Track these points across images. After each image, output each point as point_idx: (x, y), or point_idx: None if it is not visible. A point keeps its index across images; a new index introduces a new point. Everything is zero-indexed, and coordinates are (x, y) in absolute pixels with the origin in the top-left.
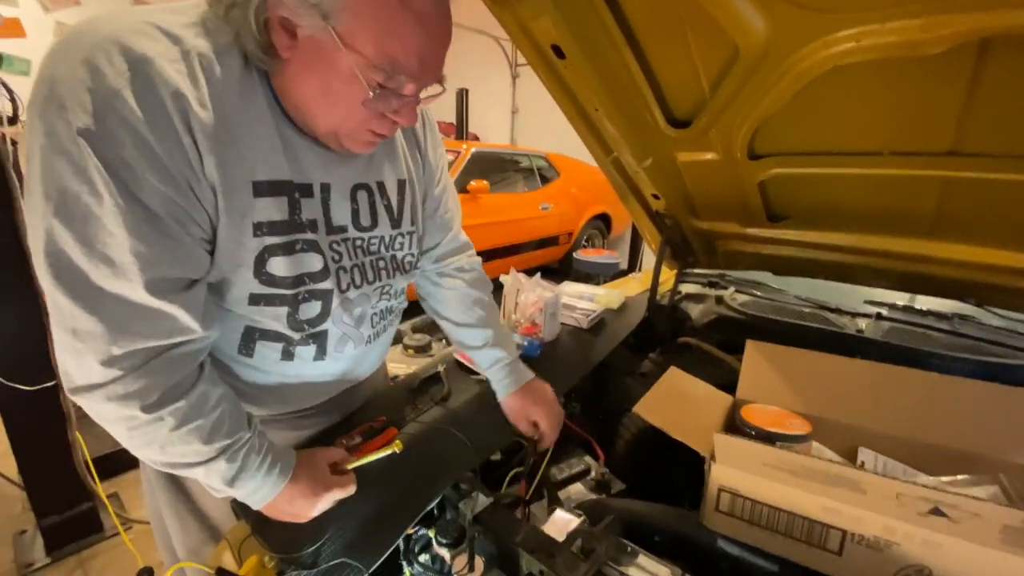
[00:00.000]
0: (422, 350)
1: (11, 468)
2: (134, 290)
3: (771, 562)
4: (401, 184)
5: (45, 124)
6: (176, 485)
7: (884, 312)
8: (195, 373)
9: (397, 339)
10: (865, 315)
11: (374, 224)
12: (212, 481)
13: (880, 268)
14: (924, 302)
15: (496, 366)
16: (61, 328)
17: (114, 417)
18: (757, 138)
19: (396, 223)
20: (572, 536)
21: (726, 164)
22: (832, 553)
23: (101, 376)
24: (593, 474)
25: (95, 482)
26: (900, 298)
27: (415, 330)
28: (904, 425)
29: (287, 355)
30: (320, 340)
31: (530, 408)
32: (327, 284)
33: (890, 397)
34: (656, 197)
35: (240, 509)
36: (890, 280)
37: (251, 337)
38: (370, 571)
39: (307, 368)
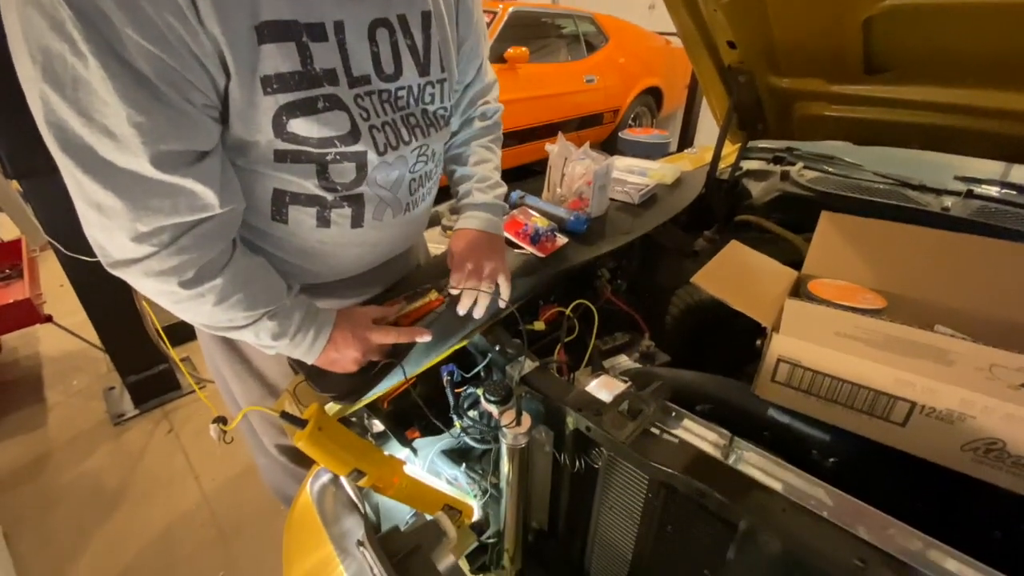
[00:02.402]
0: None
1: (92, 334)
2: (142, 165)
3: (822, 431)
4: (426, 17)
5: None
6: (230, 346)
7: (975, 189)
8: (228, 250)
9: (435, 220)
10: (953, 192)
11: (398, 72)
12: (261, 339)
13: (992, 133)
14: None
15: (465, 199)
16: (84, 202)
17: (156, 291)
18: None
19: (423, 69)
20: (619, 398)
21: None
22: (895, 424)
23: (134, 251)
24: (638, 347)
25: (167, 347)
26: (995, 173)
27: (452, 211)
28: (989, 302)
29: (323, 221)
30: (356, 204)
31: (468, 253)
32: (360, 146)
33: (975, 271)
34: (732, 46)
35: (297, 364)
36: (1003, 148)
37: (282, 200)
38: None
39: (345, 236)
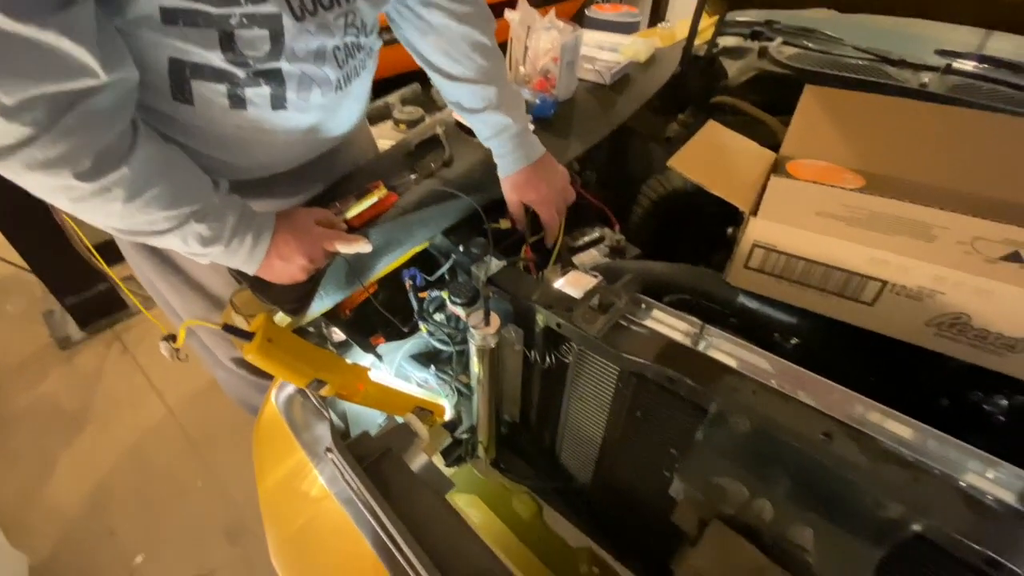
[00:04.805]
0: (414, 124)
1: (15, 255)
2: None
3: (790, 315)
4: None
5: None
6: (160, 257)
7: (954, 63)
8: (128, 134)
9: (386, 113)
10: (932, 68)
11: None
12: (190, 246)
13: None
14: (1005, 51)
15: (501, 136)
16: None
17: (49, 188)
18: None
19: None
20: (590, 293)
21: None
22: (863, 304)
23: (5, 134)
24: (608, 241)
25: (102, 265)
26: (972, 46)
27: (404, 102)
28: (970, 177)
29: (237, 102)
30: (274, 81)
31: (530, 192)
32: (270, 7)
33: (957, 145)
34: None
35: (239, 275)
36: (988, 14)
37: (181, 75)
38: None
39: (267, 120)
